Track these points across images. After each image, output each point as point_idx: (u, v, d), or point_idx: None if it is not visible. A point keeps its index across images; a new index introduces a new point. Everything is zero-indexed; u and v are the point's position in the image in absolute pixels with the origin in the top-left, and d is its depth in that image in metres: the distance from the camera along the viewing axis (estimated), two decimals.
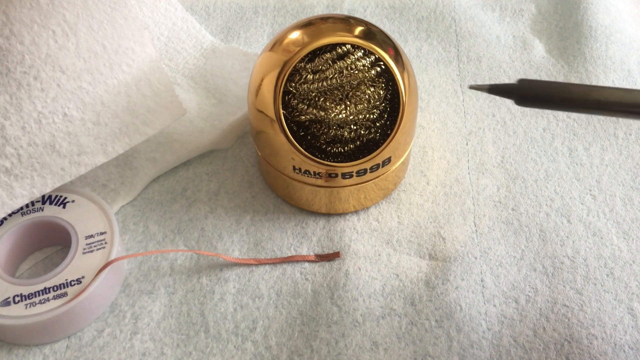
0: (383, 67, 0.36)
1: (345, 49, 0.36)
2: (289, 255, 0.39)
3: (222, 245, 0.40)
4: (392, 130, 0.37)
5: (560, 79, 0.50)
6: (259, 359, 0.35)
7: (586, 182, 0.43)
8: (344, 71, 0.35)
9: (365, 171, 0.38)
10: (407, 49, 0.53)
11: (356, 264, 0.39)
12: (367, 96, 0.36)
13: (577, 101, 0.24)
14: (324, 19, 0.38)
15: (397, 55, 0.37)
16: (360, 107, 0.36)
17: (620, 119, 0.47)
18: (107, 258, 0.36)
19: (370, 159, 0.37)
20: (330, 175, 0.38)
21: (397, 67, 0.36)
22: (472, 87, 0.30)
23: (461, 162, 0.44)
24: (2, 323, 0.33)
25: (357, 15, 0.56)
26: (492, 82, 0.25)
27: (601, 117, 0.47)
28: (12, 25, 0.33)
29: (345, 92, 0.36)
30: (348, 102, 0.36)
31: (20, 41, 0.34)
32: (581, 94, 0.24)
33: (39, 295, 0.34)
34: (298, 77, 0.36)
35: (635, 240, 0.40)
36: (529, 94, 0.26)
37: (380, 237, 0.40)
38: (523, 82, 0.26)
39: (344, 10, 0.57)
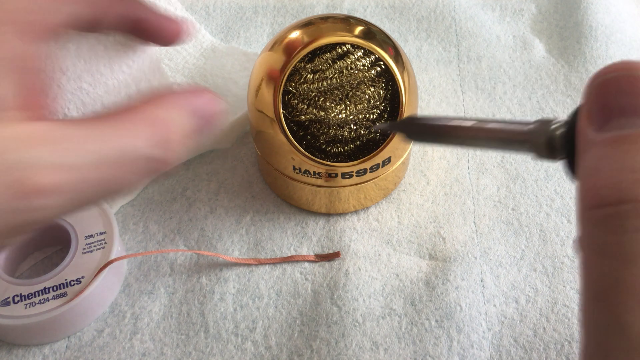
0: (383, 67, 0.36)
1: (345, 49, 0.36)
2: (289, 255, 0.39)
3: (222, 245, 0.40)
4: None
5: (561, 79, 0.50)
6: (259, 359, 0.35)
7: None
8: (344, 71, 0.35)
9: (365, 171, 0.38)
10: (407, 49, 0.53)
11: (356, 264, 0.39)
12: (367, 96, 0.36)
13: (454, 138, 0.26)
14: (324, 18, 0.38)
15: (397, 55, 0.37)
16: (360, 107, 0.36)
17: None
18: (107, 258, 0.36)
19: (370, 159, 0.37)
20: (330, 175, 0.38)
21: (397, 67, 0.36)
22: (375, 128, 0.36)
23: (461, 162, 0.44)
24: (1, 323, 0.33)
25: (357, 15, 0.56)
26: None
27: None
28: None
29: (345, 92, 0.36)
30: (348, 102, 0.36)
31: None
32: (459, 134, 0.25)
33: (39, 295, 0.34)
34: (298, 77, 0.36)
35: None
36: (412, 132, 0.28)
37: (380, 237, 0.40)
38: (409, 119, 0.28)
39: (344, 10, 0.56)
